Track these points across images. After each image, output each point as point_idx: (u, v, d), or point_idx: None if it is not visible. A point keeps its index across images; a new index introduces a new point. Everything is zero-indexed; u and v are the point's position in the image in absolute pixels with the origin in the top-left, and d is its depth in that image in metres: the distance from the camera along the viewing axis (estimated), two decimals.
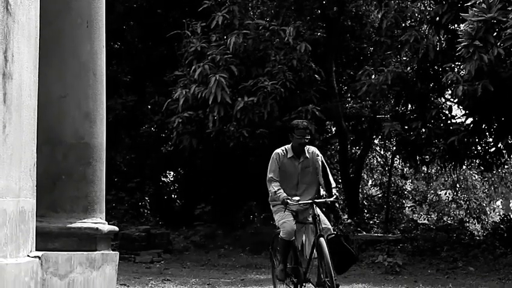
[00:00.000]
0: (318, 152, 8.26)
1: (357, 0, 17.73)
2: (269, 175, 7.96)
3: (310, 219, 7.75)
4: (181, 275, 11.84)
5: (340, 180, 19.42)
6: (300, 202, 7.64)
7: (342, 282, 10.83)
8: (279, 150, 8.11)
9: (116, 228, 7.07)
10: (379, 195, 21.92)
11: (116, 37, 18.64)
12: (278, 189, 7.78)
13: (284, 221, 7.73)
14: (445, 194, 23.48)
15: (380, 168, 22.69)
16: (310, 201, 7.71)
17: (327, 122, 18.65)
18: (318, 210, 7.71)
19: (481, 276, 12.34)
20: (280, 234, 7.80)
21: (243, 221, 17.57)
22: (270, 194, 7.96)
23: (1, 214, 4.58)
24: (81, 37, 6.50)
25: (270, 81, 15.11)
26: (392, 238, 15.26)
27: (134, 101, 18.26)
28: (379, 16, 17.20)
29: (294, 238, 7.82)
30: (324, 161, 8.27)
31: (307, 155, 8.06)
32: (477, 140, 15.26)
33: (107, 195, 6.92)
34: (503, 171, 22.29)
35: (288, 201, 7.52)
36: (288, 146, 8.12)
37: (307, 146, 8.14)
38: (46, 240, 5.75)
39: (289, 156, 8.01)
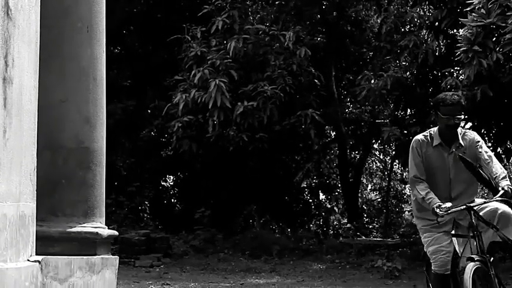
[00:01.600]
0: (477, 137, 6.09)
1: (356, 5, 17.73)
2: (412, 173, 6.00)
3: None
4: (181, 279, 11.84)
5: (339, 185, 19.44)
6: (451, 210, 5.61)
7: (340, 287, 10.84)
8: (419, 137, 6.06)
9: (116, 233, 7.07)
10: (379, 200, 21.92)
11: (116, 42, 18.64)
12: (428, 193, 5.77)
13: (435, 250, 5.83)
14: None
15: (379, 173, 22.67)
16: (463, 206, 5.67)
17: (327, 127, 18.65)
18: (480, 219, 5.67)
19: None
20: (432, 267, 5.90)
21: (242, 226, 17.56)
22: (414, 201, 6.06)
23: (1, 219, 4.58)
24: (82, 42, 6.51)
25: (269, 85, 15.11)
26: (392, 242, 15.24)
27: (134, 105, 18.26)
28: (379, 21, 17.27)
29: (449, 271, 5.83)
30: (488, 149, 6.12)
31: (461, 142, 5.93)
32: None
33: (106, 199, 6.93)
34: None
35: (438, 210, 5.56)
36: (434, 130, 6.03)
37: (462, 130, 6.05)
38: (46, 244, 5.74)
39: (434, 144, 5.94)
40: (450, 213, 5.60)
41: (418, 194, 5.78)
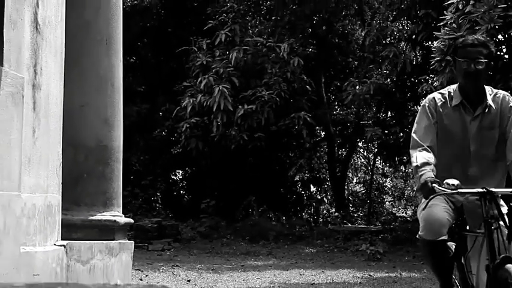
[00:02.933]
0: None
1: (343, 20, 17.76)
2: (414, 137, 4.07)
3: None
4: (189, 262, 11.82)
5: (328, 178, 19.42)
6: (460, 190, 3.63)
7: (329, 268, 10.83)
8: (434, 95, 4.18)
9: (131, 221, 7.07)
10: (363, 192, 21.86)
11: (131, 53, 18.61)
12: (423, 163, 3.86)
13: (429, 207, 3.81)
14: None
15: (363, 168, 22.62)
16: (481, 189, 3.66)
17: (317, 127, 18.64)
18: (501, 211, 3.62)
19: None
20: (419, 232, 3.92)
21: (243, 214, 17.53)
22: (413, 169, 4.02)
23: (31, 208, 4.58)
24: (101, 53, 6.50)
25: (266, 91, 15.11)
26: (374, 229, 15.21)
27: (147, 108, 18.23)
28: (363, 34, 17.25)
29: (444, 237, 3.85)
30: None
31: (491, 103, 4.03)
32: None
33: (123, 191, 6.92)
34: None
35: (435, 186, 3.65)
36: (454, 87, 4.14)
37: (492, 89, 4.10)
38: (70, 231, 5.76)
39: (454, 103, 4.06)
40: (460, 192, 3.62)
41: (415, 160, 3.88)
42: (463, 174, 3.94)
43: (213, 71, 15.27)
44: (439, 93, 4.12)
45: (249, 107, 15.01)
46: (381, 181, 22.17)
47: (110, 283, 4.52)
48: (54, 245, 5.00)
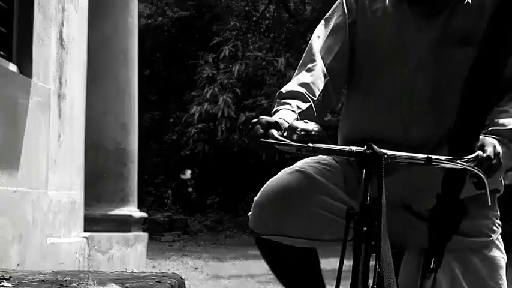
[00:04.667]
0: None
1: None
2: (305, 55, 1.88)
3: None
4: (196, 252, 11.82)
5: None
6: (321, 146, 1.49)
7: (320, 256, 10.79)
8: None
9: (145, 215, 7.08)
10: None
11: (145, 66, 18.59)
12: (289, 92, 1.71)
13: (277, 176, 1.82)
14: None
15: None
16: (423, 156, 1.40)
17: None
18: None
19: None
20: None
21: (245, 209, 17.48)
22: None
23: (57, 204, 4.59)
24: (119, 66, 6.52)
25: (265, 100, 15.13)
26: None
27: (160, 115, 18.25)
28: None
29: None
30: None
31: None
32: None
33: (138, 189, 6.92)
34: None
35: (294, 135, 1.49)
36: None
37: None
38: (91, 224, 5.76)
39: None
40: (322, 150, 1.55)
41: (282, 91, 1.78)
42: (401, 138, 1.72)
43: (218, 82, 15.28)
44: None
45: (250, 114, 15.01)
46: None
47: (126, 271, 4.53)
48: (77, 236, 5.01)
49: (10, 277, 1.87)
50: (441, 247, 1.64)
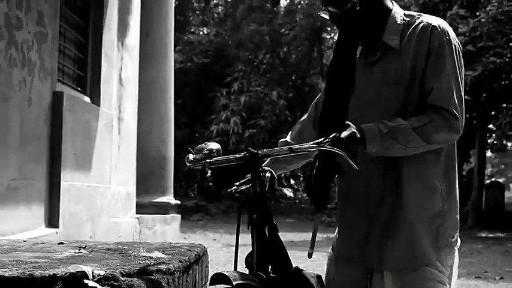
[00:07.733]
0: (442, 30, 1.31)
1: (311, 76, 17.81)
2: None
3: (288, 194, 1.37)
4: (215, 228, 11.80)
5: (301, 179, 19.22)
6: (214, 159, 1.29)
7: (304, 231, 10.72)
8: None
9: (179, 202, 7.09)
10: None
11: (178, 97, 18.53)
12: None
13: None
14: None
15: None
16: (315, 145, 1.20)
17: None
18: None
19: None
20: None
21: None
22: None
23: (117, 194, 4.61)
24: (160, 98, 6.54)
25: (263, 120, 15.23)
26: (331, 206, 15.04)
27: (188, 133, 18.25)
28: (323, 84, 17.22)
29: None
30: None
31: (389, 40, 1.37)
32: None
33: (173, 184, 6.93)
34: None
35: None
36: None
37: (410, 15, 1.40)
38: (141, 208, 5.79)
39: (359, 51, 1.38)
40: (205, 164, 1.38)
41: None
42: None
43: (230, 108, 15.40)
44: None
45: (252, 130, 15.12)
46: None
47: (166, 242, 4.56)
48: (131, 217, 5.02)
49: (86, 246, 1.90)
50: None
